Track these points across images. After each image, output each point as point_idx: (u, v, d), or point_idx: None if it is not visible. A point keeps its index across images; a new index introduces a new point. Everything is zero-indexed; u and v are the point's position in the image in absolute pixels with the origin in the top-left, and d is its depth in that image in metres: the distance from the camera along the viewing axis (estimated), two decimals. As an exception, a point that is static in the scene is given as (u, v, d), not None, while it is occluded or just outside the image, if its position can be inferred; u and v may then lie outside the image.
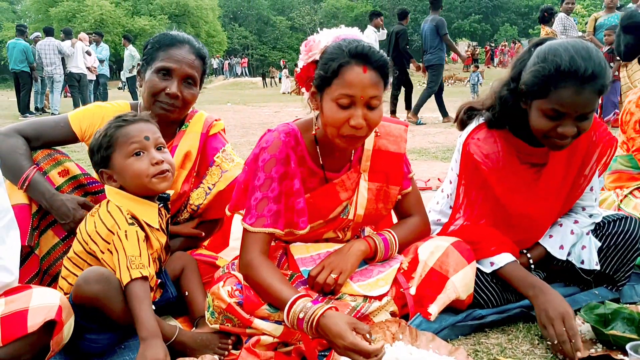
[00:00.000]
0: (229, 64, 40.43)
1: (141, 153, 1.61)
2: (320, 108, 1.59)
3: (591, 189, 1.89)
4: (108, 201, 1.63)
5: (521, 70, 1.65)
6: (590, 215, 1.91)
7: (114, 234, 1.53)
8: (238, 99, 19.51)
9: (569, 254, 1.87)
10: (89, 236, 1.58)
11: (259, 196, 1.62)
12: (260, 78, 34.06)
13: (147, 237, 1.60)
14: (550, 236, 1.89)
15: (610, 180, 2.43)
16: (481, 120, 1.84)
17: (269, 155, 1.63)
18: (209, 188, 2.00)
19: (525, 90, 1.62)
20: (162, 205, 1.71)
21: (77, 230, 1.64)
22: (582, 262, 1.85)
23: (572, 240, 1.88)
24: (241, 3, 58.82)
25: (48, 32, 11.99)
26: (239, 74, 38.34)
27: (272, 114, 12.47)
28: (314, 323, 1.38)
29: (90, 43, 12.82)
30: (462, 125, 1.90)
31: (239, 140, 7.00)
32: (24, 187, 1.80)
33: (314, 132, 1.69)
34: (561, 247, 1.87)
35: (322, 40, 1.58)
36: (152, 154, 1.61)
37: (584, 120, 1.58)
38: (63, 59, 11.49)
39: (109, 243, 1.54)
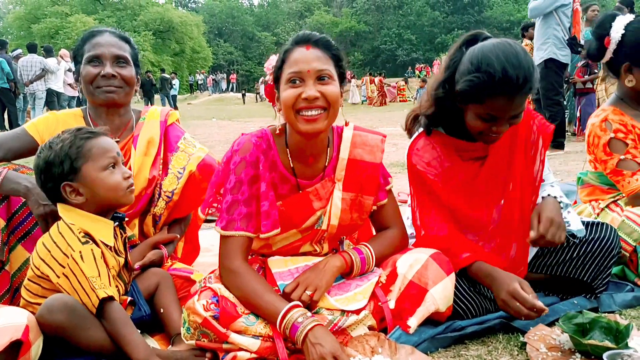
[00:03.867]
0: (213, 79, 40.48)
1: (114, 167, 1.60)
2: (280, 107, 1.62)
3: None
4: (57, 224, 1.56)
5: (454, 71, 1.73)
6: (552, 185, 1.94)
7: (68, 257, 1.47)
8: (223, 115, 19.49)
9: None
10: (42, 260, 1.51)
11: (230, 199, 1.63)
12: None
13: (102, 255, 1.54)
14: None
15: (585, 193, 2.45)
16: (420, 130, 1.90)
17: (239, 158, 1.64)
18: (179, 172, 2.06)
19: (460, 95, 1.69)
20: (117, 224, 1.66)
21: (31, 256, 1.57)
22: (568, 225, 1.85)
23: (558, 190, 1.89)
24: (226, 19, 59.17)
25: (31, 48, 11.90)
26: (224, 90, 38.38)
27: (257, 128, 12.46)
28: (308, 329, 1.44)
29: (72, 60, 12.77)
30: (411, 134, 1.95)
31: (223, 155, 6.95)
32: None
33: (278, 132, 1.71)
34: (551, 185, 1.90)
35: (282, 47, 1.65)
36: (122, 168, 1.61)
37: (516, 119, 1.69)
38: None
39: (64, 267, 1.47)
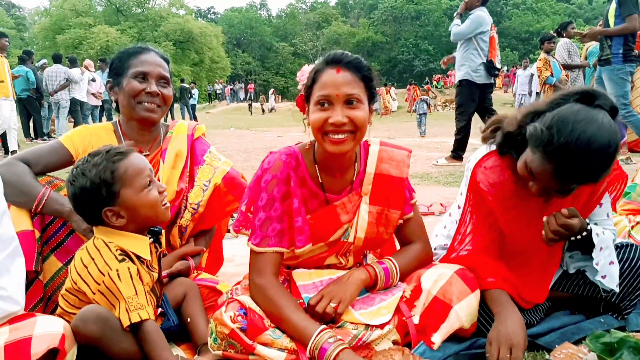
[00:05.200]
0: (231, 89, 40.86)
1: (150, 184, 1.62)
2: (310, 122, 1.65)
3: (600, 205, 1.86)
4: (95, 238, 1.59)
5: (546, 112, 1.63)
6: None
7: (104, 275, 1.49)
8: (241, 124, 19.64)
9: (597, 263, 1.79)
10: (79, 275, 1.53)
11: (263, 216, 1.65)
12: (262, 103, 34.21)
13: (137, 272, 1.56)
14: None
15: (625, 207, 2.40)
16: (492, 147, 1.84)
17: (270, 176, 1.67)
18: (205, 185, 2.11)
19: (525, 153, 1.64)
20: (153, 240, 1.68)
21: (69, 269, 1.60)
22: (604, 277, 1.77)
23: (602, 243, 1.76)
24: (244, 30, 59.78)
25: (56, 59, 12.17)
26: (242, 99, 38.73)
27: (275, 138, 12.55)
28: (337, 352, 1.44)
29: (96, 70, 13.04)
30: (485, 140, 1.88)
31: (242, 165, 7.01)
32: (41, 204, 1.83)
33: (307, 147, 1.74)
34: (597, 235, 1.76)
35: (314, 65, 1.67)
36: (157, 183, 1.63)
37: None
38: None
39: (99, 284, 1.49)
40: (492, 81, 6.68)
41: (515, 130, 1.72)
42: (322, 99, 1.58)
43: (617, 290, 1.77)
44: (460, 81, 6.60)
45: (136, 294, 1.48)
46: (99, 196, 1.56)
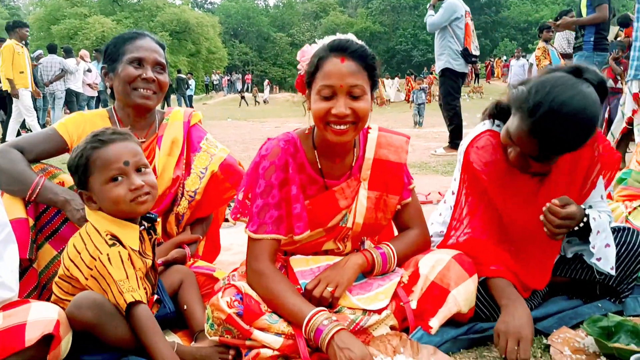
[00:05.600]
0: (228, 80, 40.70)
1: (119, 178, 1.54)
2: (310, 105, 1.63)
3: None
4: (86, 225, 1.58)
5: (523, 107, 1.62)
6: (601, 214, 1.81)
7: (95, 259, 1.48)
8: (238, 115, 19.59)
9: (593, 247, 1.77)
10: (72, 261, 1.52)
11: (260, 203, 1.64)
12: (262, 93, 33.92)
13: (129, 257, 1.54)
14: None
15: (622, 194, 2.41)
16: (484, 127, 1.85)
17: (268, 163, 1.66)
18: (202, 172, 2.10)
19: (515, 130, 1.64)
20: (144, 228, 1.65)
21: (62, 256, 1.59)
22: (599, 259, 1.74)
23: (599, 226, 1.74)
24: (241, 20, 59.41)
25: (51, 49, 12.07)
26: (239, 90, 38.58)
27: (273, 129, 12.53)
28: (333, 332, 1.43)
29: (92, 60, 12.94)
30: (482, 118, 1.90)
31: (240, 155, 6.99)
32: (35, 193, 1.81)
33: (307, 132, 1.73)
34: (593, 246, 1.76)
35: (316, 47, 1.64)
36: (131, 179, 1.54)
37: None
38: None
39: (91, 269, 1.48)
40: (467, 70, 6.73)
41: (505, 101, 1.75)
42: (325, 89, 1.56)
43: (613, 273, 1.76)
44: (442, 71, 6.58)
45: (127, 277, 1.47)
46: (77, 179, 1.58)
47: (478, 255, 1.76)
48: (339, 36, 1.63)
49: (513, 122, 1.65)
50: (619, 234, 1.86)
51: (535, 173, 1.78)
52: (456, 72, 6.51)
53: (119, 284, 1.45)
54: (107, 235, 1.52)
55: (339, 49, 1.57)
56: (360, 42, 1.62)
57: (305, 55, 1.67)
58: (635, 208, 2.27)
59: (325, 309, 1.56)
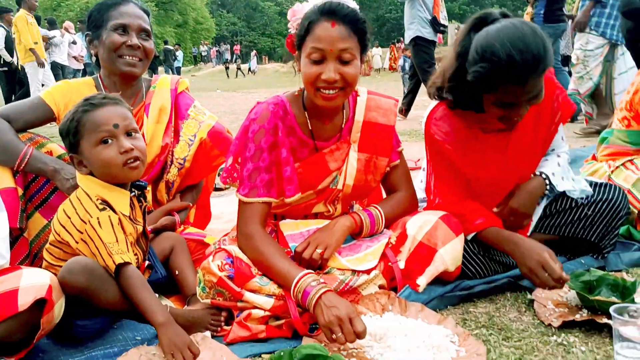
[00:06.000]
0: (217, 51, 40.08)
1: (109, 140, 1.52)
2: (300, 68, 1.63)
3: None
4: (77, 191, 1.58)
5: (464, 60, 1.64)
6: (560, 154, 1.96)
7: (85, 223, 1.48)
8: (227, 86, 19.39)
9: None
10: (62, 226, 1.53)
11: (251, 167, 1.65)
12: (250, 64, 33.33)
13: (120, 222, 1.54)
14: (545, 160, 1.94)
15: (605, 153, 2.44)
16: (437, 100, 1.87)
17: (258, 126, 1.66)
18: (190, 140, 2.09)
19: (471, 86, 1.63)
20: (135, 194, 1.65)
21: (52, 222, 1.59)
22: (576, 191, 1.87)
23: (561, 172, 1.90)
24: (229, -11, 58.23)
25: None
26: (224, 61, 38.04)
27: (262, 100, 12.40)
28: (320, 293, 1.44)
29: (76, 32, 12.67)
30: (431, 95, 1.90)
31: (229, 126, 6.81)
32: (24, 162, 1.81)
33: (297, 94, 1.73)
34: (552, 174, 1.89)
35: (307, 6, 1.63)
36: (121, 141, 1.53)
37: (535, 99, 1.62)
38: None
39: (82, 233, 1.49)
40: (436, 38, 6.67)
41: (439, 82, 1.78)
42: (315, 53, 1.56)
43: (589, 192, 1.88)
44: (413, 40, 6.54)
45: (117, 241, 1.48)
46: (68, 142, 1.57)
47: (465, 214, 1.80)
48: None
49: (485, 105, 1.66)
50: (602, 189, 1.91)
51: (500, 129, 1.81)
52: (427, 40, 6.49)
53: (108, 246, 1.46)
54: (97, 199, 1.53)
55: (330, 13, 1.56)
56: (352, 4, 1.61)
57: (296, 14, 1.66)
58: (617, 167, 2.31)
59: (313, 271, 1.59)
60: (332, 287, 1.57)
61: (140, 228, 1.66)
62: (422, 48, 6.53)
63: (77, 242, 1.50)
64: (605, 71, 5.14)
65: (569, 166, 1.96)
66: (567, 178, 1.91)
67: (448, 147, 1.82)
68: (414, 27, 6.47)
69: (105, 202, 1.54)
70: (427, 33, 6.45)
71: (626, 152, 2.35)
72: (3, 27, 9.07)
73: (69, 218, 1.52)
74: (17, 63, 9.03)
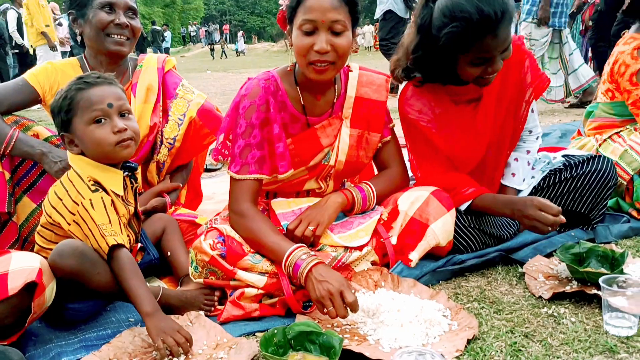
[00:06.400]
0: (206, 31, 39.59)
1: (102, 120, 1.51)
2: (292, 42, 1.62)
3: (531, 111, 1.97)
4: (68, 172, 1.56)
5: (428, 29, 1.66)
6: (537, 138, 2.01)
7: (78, 204, 1.47)
8: (217, 66, 19.21)
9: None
10: (53, 208, 1.51)
11: (242, 144, 1.64)
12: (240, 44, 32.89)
13: (112, 203, 1.53)
14: (513, 174, 1.98)
15: (591, 127, 2.46)
16: (405, 81, 1.89)
17: (248, 102, 1.65)
18: (180, 119, 2.07)
19: (445, 50, 1.63)
20: (128, 174, 1.64)
21: (43, 204, 1.58)
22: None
23: (532, 172, 1.99)
24: (216, -33, 57.25)
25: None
26: (217, 41, 37.57)
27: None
28: (311, 266, 1.45)
29: (62, 13, 12.44)
30: (398, 79, 1.92)
31: (220, 107, 6.85)
32: (10, 146, 1.79)
33: (289, 69, 1.72)
34: (524, 180, 1.99)
35: None
36: (114, 121, 1.52)
37: (506, 52, 1.66)
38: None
39: (74, 214, 1.47)
40: (408, 16, 6.62)
41: (402, 63, 1.81)
42: (307, 24, 1.55)
43: (524, 186, 1.98)
44: (384, 14, 6.53)
45: (110, 222, 1.47)
46: (59, 121, 1.55)
47: (453, 187, 1.81)
48: None
49: (461, 68, 1.67)
50: (590, 162, 1.93)
51: (470, 100, 1.85)
52: (398, 16, 6.48)
53: (101, 227, 1.44)
54: (89, 180, 1.51)
55: None
56: None
57: None
58: (605, 140, 2.32)
59: (304, 245, 1.59)
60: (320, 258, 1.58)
61: (132, 209, 1.65)
62: (391, 22, 6.53)
63: (69, 224, 1.49)
64: (559, 55, 5.26)
65: (536, 159, 2.02)
66: (528, 176, 1.99)
67: (423, 124, 1.84)
68: (387, 0, 6.48)
69: (97, 183, 1.52)
70: (399, 10, 6.46)
71: (612, 124, 2.37)
72: (14, 9, 9.14)
73: (61, 199, 1.50)
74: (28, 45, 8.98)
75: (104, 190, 1.52)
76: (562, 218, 1.63)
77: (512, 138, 1.93)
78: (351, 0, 1.57)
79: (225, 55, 28.76)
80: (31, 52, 8.84)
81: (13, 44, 9.28)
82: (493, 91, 1.83)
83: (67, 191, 1.50)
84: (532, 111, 1.95)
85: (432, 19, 1.65)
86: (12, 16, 9.08)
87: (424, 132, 1.84)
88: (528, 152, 1.99)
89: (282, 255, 1.51)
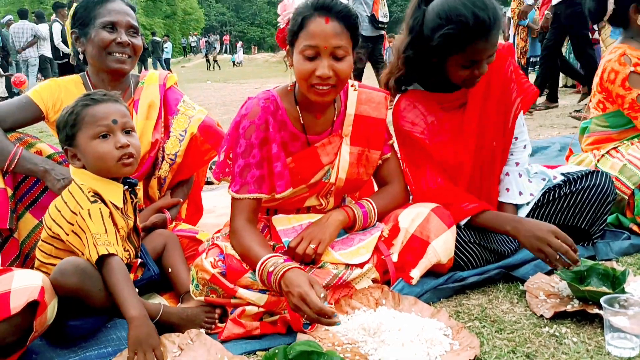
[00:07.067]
0: (206, 41, 39.77)
1: (107, 136, 1.55)
2: (292, 63, 1.63)
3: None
4: (71, 184, 1.58)
5: (420, 30, 1.73)
6: (525, 147, 2.03)
7: (76, 214, 1.49)
8: (218, 77, 19.27)
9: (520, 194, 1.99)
10: (53, 220, 1.53)
11: (242, 163, 1.66)
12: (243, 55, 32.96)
13: (111, 215, 1.55)
14: (507, 189, 1.99)
15: (588, 142, 2.47)
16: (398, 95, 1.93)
17: (248, 122, 1.66)
18: (181, 135, 2.09)
19: (438, 51, 1.71)
20: (128, 189, 1.65)
21: (44, 219, 1.59)
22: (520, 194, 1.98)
23: (526, 183, 2.00)
24: (217, -22, 57.63)
25: (22, 15, 11.64)
26: (218, 52, 37.64)
27: (253, 90, 12.35)
28: (279, 276, 1.43)
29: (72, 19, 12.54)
30: (395, 96, 1.96)
31: (220, 118, 6.86)
32: (14, 163, 1.80)
33: (289, 88, 1.74)
34: (520, 193, 1.98)
35: (298, 1, 1.63)
36: (117, 137, 1.56)
37: (492, 57, 1.75)
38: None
39: (72, 224, 1.49)
40: (381, 33, 6.78)
41: (404, 70, 1.85)
42: (309, 50, 1.56)
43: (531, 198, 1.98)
44: None
45: (106, 232, 1.47)
46: (64, 135, 1.58)
47: (451, 202, 1.82)
48: None
49: (450, 69, 1.73)
50: (588, 177, 1.94)
51: (460, 105, 1.89)
52: (365, 36, 6.59)
53: (95, 237, 1.45)
54: (89, 192, 1.53)
55: (324, 9, 1.57)
56: (343, 3, 1.60)
57: (287, 9, 1.66)
58: (603, 155, 2.34)
59: (307, 266, 1.60)
60: (325, 281, 1.58)
61: (131, 223, 1.65)
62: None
63: (67, 235, 1.51)
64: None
65: (526, 169, 2.04)
66: (524, 187, 1.99)
67: (417, 135, 1.86)
68: None
69: (97, 194, 1.54)
70: (364, 30, 6.49)
71: (608, 137, 2.38)
72: (59, 21, 9.82)
73: (59, 211, 1.52)
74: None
75: (104, 202, 1.54)
76: (573, 255, 1.61)
77: (503, 151, 1.96)
78: (352, 25, 1.60)
79: (219, 66, 28.48)
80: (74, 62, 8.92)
81: (60, 54, 10.04)
82: (479, 92, 1.88)
83: (66, 203, 1.52)
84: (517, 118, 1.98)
85: (425, 21, 1.72)
86: (57, 28, 9.82)
87: (419, 142, 1.86)
88: (517, 164, 1.99)
89: (256, 263, 1.51)
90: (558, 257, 1.62)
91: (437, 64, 1.76)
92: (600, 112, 2.40)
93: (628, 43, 2.33)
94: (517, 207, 1.98)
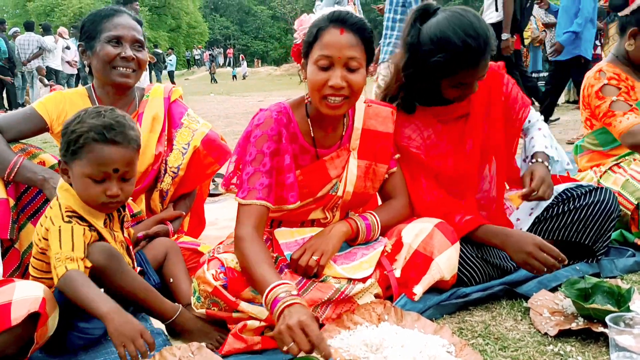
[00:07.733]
0: (210, 54, 40.07)
1: (102, 180, 1.49)
2: (306, 75, 1.64)
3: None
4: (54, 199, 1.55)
5: (416, 49, 1.77)
6: (537, 120, 2.07)
7: (48, 230, 1.46)
8: (221, 90, 19.37)
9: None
10: (37, 234, 1.52)
11: (251, 170, 1.65)
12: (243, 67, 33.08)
13: (84, 232, 1.48)
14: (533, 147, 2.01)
15: (585, 160, 2.50)
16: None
17: (260, 132, 1.67)
18: (184, 148, 2.10)
19: (431, 74, 1.76)
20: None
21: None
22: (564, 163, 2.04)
23: (550, 142, 2.02)
24: (222, -7, 58.19)
25: (28, 27, 11.77)
26: (221, 65, 37.91)
27: (256, 103, 12.42)
28: (287, 304, 1.33)
29: (70, 37, 12.66)
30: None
31: (223, 130, 6.90)
32: (14, 172, 1.80)
33: (306, 100, 1.75)
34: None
35: (314, 16, 1.65)
36: (111, 185, 1.50)
37: (483, 76, 1.79)
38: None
39: (47, 240, 1.46)
40: None
41: (402, 91, 1.89)
42: (323, 60, 1.57)
43: (570, 168, 2.08)
44: None
45: (72, 249, 1.41)
46: (65, 149, 1.51)
47: (448, 212, 1.83)
48: (339, 8, 1.64)
49: (443, 89, 1.78)
50: (594, 193, 1.93)
51: (459, 117, 1.91)
52: None
53: (55, 257, 1.40)
54: (67, 211, 1.48)
55: (339, 21, 1.58)
56: (359, 15, 1.63)
57: (303, 24, 1.68)
58: (605, 172, 2.35)
59: (309, 279, 1.59)
60: (327, 295, 1.56)
61: (119, 235, 1.63)
62: None
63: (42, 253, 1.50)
64: None
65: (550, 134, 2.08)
66: (553, 147, 2.03)
67: (412, 150, 1.88)
68: None
69: (74, 212, 1.49)
70: None
71: (601, 155, 2.41)
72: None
73: (42, 225, 1.51)
74: None
75: (83, 219, 1.50)
76: (564, 258, 1.66)
77: (507, 157, 1.99)
78: (367, 38, 1.61)
79: (215, 80, 28.23)
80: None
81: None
82: (482, 107, 1.91)
83: (47, 218, 1.50)
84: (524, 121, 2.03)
85: (420, 40, 1.76)
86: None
87: (415, 156, 1.88)
88: (540, 129, 2.04)
89: (265, 288, 1.42)
90: (545, 270, 1.65)
91: (432, 83, 1.80)
92: (589, 130, 2.45)
93: (610, 61, 2.41)
94: (520, 220, 1.98)
